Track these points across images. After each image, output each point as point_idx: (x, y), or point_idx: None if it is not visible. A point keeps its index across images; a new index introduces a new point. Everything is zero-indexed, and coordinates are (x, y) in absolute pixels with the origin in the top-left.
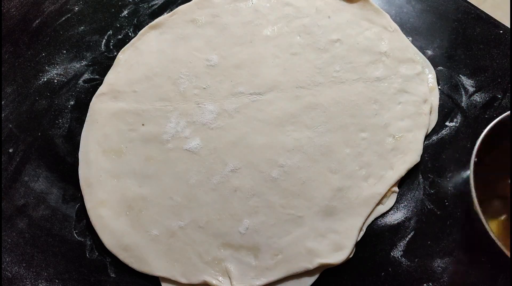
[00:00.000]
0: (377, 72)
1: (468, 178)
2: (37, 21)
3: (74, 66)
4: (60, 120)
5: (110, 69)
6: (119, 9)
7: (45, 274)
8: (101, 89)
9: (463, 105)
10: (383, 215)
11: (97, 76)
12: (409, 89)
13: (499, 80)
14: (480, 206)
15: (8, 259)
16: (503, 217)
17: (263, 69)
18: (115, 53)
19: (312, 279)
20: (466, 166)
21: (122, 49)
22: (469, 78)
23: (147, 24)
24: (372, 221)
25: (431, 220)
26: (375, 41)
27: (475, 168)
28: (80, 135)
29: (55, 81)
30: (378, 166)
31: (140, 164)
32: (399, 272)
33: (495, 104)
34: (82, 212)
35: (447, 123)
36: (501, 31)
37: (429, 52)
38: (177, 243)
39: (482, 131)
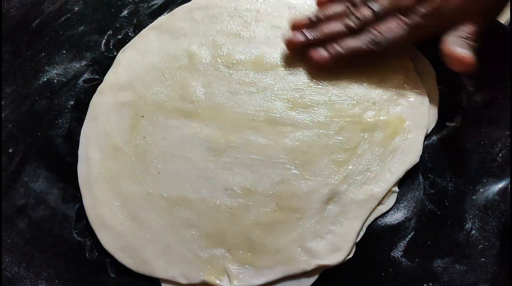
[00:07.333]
0: (376, 72)
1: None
2: (37, 21)
3: (74, 66)
4: (60, 120)
5: (110, 69)
6: (119, 9)
7: (45, 274)
8: (101, 88)
9: (463, 105)
10: (383, 215)
11: (97, 76)
12: (405, 90)
13: (500, 80)
14: None
15: (8, 259)
16: None
17: (261, 69)
18: (115, 53)
19: (311, 280)
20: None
21: (122, 49)
22: (469, 78)
23: (147, 24)
24: (372, 221)
25: (431, 220)
26: None
27: None
28: (80, 135)
29: (55, 81)
30: (377, 167)
31: (140, 163)
32: (399, 272)
33: (495, 104)
34: (82, 212)
35: (447, 123)
36: (501, 31)
37: (430, 52)
38: (176, 243)
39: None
